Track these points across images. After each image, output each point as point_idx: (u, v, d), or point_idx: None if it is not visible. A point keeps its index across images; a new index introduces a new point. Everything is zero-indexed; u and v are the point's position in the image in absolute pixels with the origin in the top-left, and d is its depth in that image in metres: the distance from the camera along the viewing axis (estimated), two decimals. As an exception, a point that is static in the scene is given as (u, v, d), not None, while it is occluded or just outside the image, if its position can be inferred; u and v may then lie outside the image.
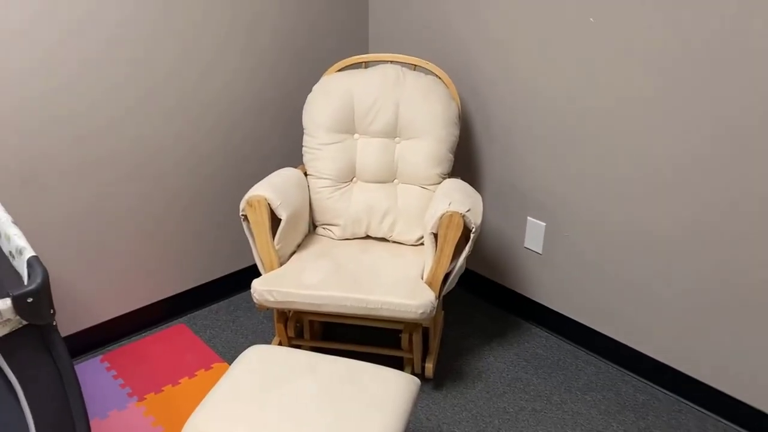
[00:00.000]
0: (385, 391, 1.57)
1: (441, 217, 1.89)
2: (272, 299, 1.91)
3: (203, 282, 2.55)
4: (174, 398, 2.07)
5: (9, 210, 1.98)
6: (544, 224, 2.31)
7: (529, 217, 2.35)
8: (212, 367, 2.22)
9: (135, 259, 2.32)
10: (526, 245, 2.39)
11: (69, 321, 2.22)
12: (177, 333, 2.40)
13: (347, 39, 2.65)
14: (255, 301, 1.94)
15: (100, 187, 2.16)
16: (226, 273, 2.60)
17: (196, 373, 2.19)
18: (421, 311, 1.84)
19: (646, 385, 2.16)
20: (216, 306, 2.57)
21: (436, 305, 1.88)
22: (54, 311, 1.39)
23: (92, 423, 1.96)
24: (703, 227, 1.89)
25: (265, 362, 1.65)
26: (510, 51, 2.21)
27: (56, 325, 1.42)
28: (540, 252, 2.35)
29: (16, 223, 1.62)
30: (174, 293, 2.47)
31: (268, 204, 1.99)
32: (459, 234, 1.89)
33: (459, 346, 2.35)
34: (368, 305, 1.86)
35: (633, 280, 2.11)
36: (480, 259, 2.59)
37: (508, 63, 2.23)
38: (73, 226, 2.14)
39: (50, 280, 2.12)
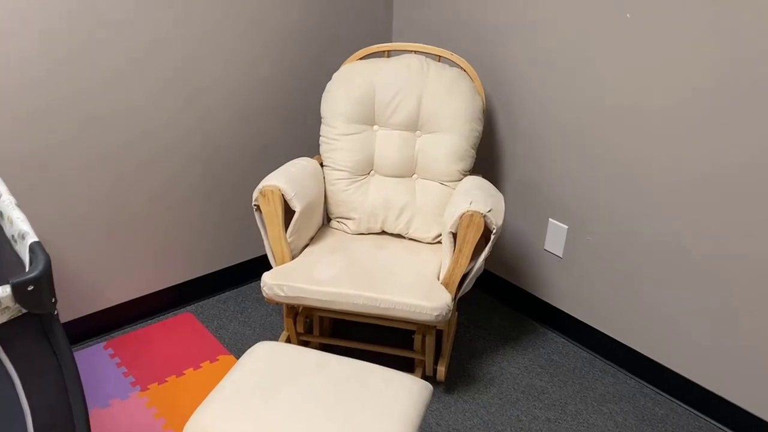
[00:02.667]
0: (396, 396, 1.50)
1: (461, 217, 1.81)
2: (282, 294, 1.84)
3: (212, 270, 2.49)
4: (178, 390, 2.01)
5: (17, 194, 1.92)
6: (566, 227, 2.22)
7: (551, 219, 2.27)
8: (218, 360, 2.16)
9: (143, 245, 2.26)
10: (546, 248, 2.31)
11: (74, 306, 2.17)
12: (183, 322, 2.34)
13: (371, 27, 2.56)
14: (264, 295, 1.87)
15: (111, 175, 2.09)
16: (236, 262, 2.54)
17: (201, 365, 2.13)
18: (436, 314, 1.77)
19: (666, 398, 2.08)
20: (224, 296, 2.52)
21: (452, 308, 1.81)
22: (55, 300, 1.33)
23: (93, 412, 1.91)
24: (736, 243, 1.80)
25: (272, 360, 1.59)
26: (541, 44, 2.12)
27: (57, 314, 1.36)
28: (560, 255, 2.27)
29: (20, 206, 1.57)
30: (182, 281, 2.41)
31: (282, 195, 1.92)
32: (479, 235, 1.82)
33: (472, 348, 2.28)
34: (381, 305, 1.79)
35: (658, 291, 2.02)
36: (498, 260, 2.52)
37: (538, 57, 2.14)
38: (83, 212, 2.08)
39: (56, 264, 2.07)
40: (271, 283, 1.85)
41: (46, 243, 2.02)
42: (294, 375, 1.54)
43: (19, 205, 1.51)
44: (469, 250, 1.83)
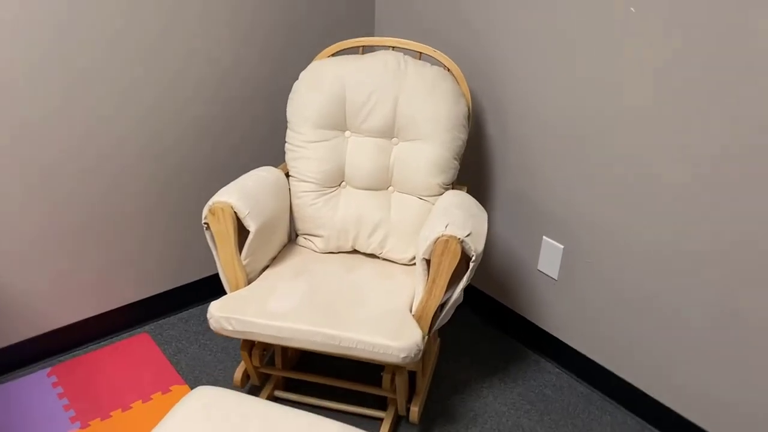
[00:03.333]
0: (347, 463, 1.28)
1: (435, 242, 1.57)
2: (230, 328, 1.62)
3: (176, 285, 2.27)
4: (121, 427, 1.81)
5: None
6: (561, 247, 1.97)
7: (545, 237, 2.02)
8: (170, 390, 1.95)
9: (91, 260, 2.04)
10: (539, 268, 2.07)
11: (17, 328, 1.97)
12: (138, 344, 2.13)
13: (350, 20, 2.31)
14: (212, 328, 1.65)
15: (51, 184, 1.87)
16: (200, 277, 2.33)
17: (151, 396, 1.92)
18: (403, 355, 1.53)
19: (671, 443, 1.84)
20: (187, 314, 2.30)
21: (422, 347, 1.57)
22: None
23: (24, 453, 1.71)
24: (758, 271, 1.55)
25: (210, 413, 1.37)
26: (535, 42, 1.86)
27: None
28: (555, 277, 2.02)
29: None
30: (140, 298, 2.20)
31: (235, 213, 1.69)
32: (455, 263, 1.58)
33: (455, 379, 2.04)
34: (341, 343, 1.56)
35: (666, 323, 1.78)
36: (487, 278, 2.27)
37: (533, 56, 1.88)
38: (18, 226, 1.86)
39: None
40: (218, 315, 1.62)
41: (-23, 262, 1.82)
42: (231, 433, 1.32)
43: None
44: (444, 280, 1.59)
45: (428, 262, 1.62)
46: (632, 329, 1.86)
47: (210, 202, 1.69)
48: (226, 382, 1.99)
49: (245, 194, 1.72)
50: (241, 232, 1.75)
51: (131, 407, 1.88)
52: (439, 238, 1.57)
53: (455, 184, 1.94)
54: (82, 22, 1.77)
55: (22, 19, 1.68)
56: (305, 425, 1.36)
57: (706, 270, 1.64)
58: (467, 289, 2.36)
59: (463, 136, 1.87)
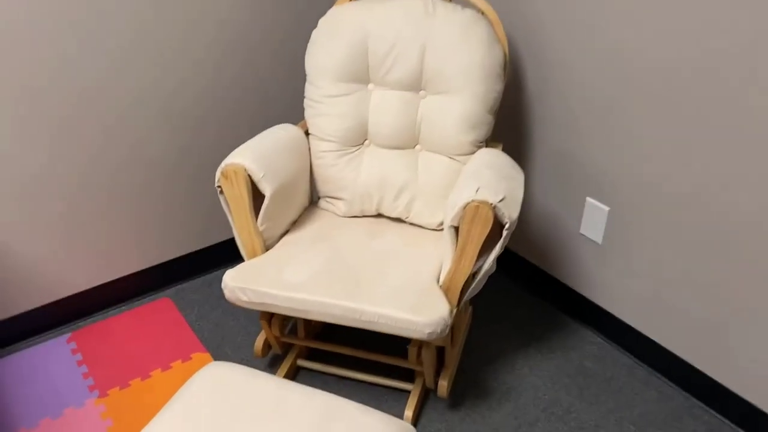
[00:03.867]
0: (365, 449, 1.18)
1: (464, 208, 1.43)
2: (245, 299, 1.52)
3: (197, 248, 2.19)
4: (140, 396, 1.75)
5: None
6: (607, 209, 1.80)
7: (588, 198, 1.85)
8: (191, 358, 1.88)
9: (113, 223, 1.97)
10: (582, 231, 1.90)
11: (35, 293, 1.92)
12: (160, 309, 2.07)
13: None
14: (227, 298, 1.55)
15: (72, 148, 1.78)
16: (224, 239, 2.23)
17: (171, 365, 1.86)
18: (429, 330, 1.41)
19: (722, 422, 1.69)
20: (210, 276, 2.22)
21: (450, 320, 1.45)
22: None
23: (43, 422, 1.67)
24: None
25: (220, 391, 1.28)
26: (579, -21, 1.65)
27: None
28: (599, 242, 1.86)
29: None
30: (161, 261, 2.13)
31: (249, 175, 1.57)
32: (487, 231, 1.43)
33: (488, 350, 1.92)
34: (362, 317, 1.45)
35: (721, 294, 1.60)
36: (524, 240, 2.12)
37: (575, -5, 1.67)
38: (38, 190, 1.79)
39: (9, 250, 1.80)
40: (233, 285, 1.52)
41: (-11, 227, 1.75)
42: (243, 416, 1.23)
43: None
44: (473, 249, 1.45)
45: (457, 229, 1.48)
46: (682, 299, 1.70)
47: (222, 164, 1.57)
48: (248, 350, 1.92)
49: (260, 155, 1.60)
50: (258, 196, 1.63)
51: (150, 376, 1.82)
52: (468, 203, 1.42)
53: (489, 141, 1.78)
54: (82, -30, 1.64)
55: None
56: (320, 406, 1.26)
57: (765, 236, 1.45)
58: (504, 254, 2.21)
59: (499, 87, 1.69)
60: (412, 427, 1.25)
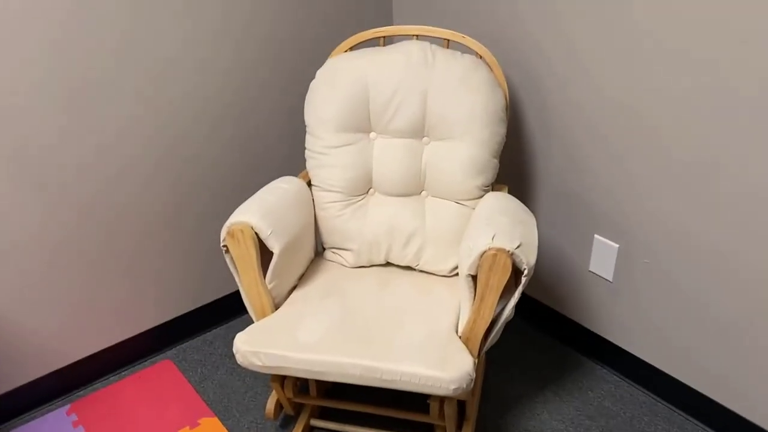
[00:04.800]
0: None
1: (481, 256, 1.40)
2: (260, 363, 1.46)
3: (196, 306, 2.13)
4: (148, 470, 1.67)
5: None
6: (616, 246, 1.79)
7: (596, 236, 1.83)
8: (199, 424, 1.80)
9: (107, 287, 1.90)
10: (591, 269, 1.88)
11: (32, 365, 1.83)
12: (161, 372, 1.99)
13: (366, 9, 2.11)
14: (239, 363, 1.49)
15: (65, 215, 1.73)
16: (224, 294, 2.17)
17: (179, 433, 1.78)
18: (454, 386, 1.37)
19: (751, 458, 1.66)
20: (210, 335, 2.15)
21: (474, 375, 1.40)
22: None
23: (46, 505, 1.58)
24: None
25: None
26: (577, 21, 1.65)
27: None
28: (610, 279, 1.84)
29: None
30: (159, 322, 2.06)
31: (256, 233, 1.53)
32: (506, 279, 1.40)
33: (504, 395, 1.88)
34: (383, 376, 1.40)
35: (732, 324, 1.59)
36: (535, 281, 2.09)
37: (575, 35, 1.68)
38: (33, 257, 1.72)
39: (7, 320, 1.73)
40: (245, 349, 1.46)
41: (-18, 299, 1.68)
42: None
43: None
44: (493, 298, 1.42)
45: (474, 277, 1.45)
46: (696, 333, 1.67)
47: (228, 223, 1.53)
48: (257, 412, 1.85)
49: (267, 211, 1.56)
50: (264, 253, 1.59)
51: (158, 446, 1.74)
52: (485, 251, 1.39)
53: (494, 184, 1.76)
54: (89, 24, 1.60)
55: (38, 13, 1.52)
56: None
57: (791, 269, 1.44)
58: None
59: (502, 130, 1.68)
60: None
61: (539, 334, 2.11)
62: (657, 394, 1.85)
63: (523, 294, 2.15)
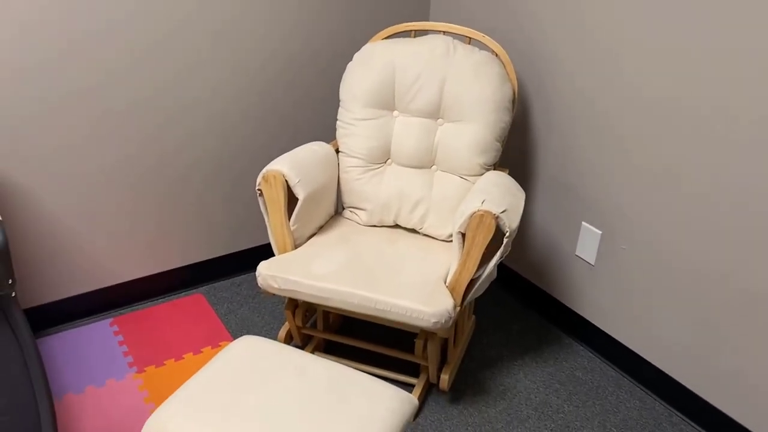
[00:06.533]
0: (373, 409, 1.37)
1: (471, 216, 1.65)
2: (276, 286, 1.74)
3: (228, 252, 2.43)
4: (173, 374, 1.96)
5: (29, 166, 1.90)
6: (600, 232, 2.02)
7: (584, 223, 2.06)
8: (219, 345, 2.10)
9: (156, 222, 2.21)
10: (577, 253, 2.11)
11: (82, 280, 2.15)
12: (193, 303, 2.29)
13: (407, 6, 2.40)
14: (259, 285, 1.78)
15: (124, 146, 2.05)
16: (254, 245, 2.47)
17: (202, 350, 2.07)
18: (434, 320, 1.62)
19: (696, 430, 1.86)
20: (239, 279, 2.45)
21: (454, 314, 1.66)
22: (13, 281, 1.28)
23: (87, 390, 1.89)
24: (789, 261, 1.56)
25: (251, 358, 1.49)
26: (587, 25, 1.90)
27: (15, 296, 1.32)
28: (592, 263, 2.07)
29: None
30: (196, 261, 2.36)
31: (286, 181, 1.81)
32: (489, 237, 1.65)
33: (487, 355, 2.12)
34: (377, 305, 1.66)
35: (699, 315, 1.80)
36: (526, 261, 2.33)
37: (579, 46, 1.93)
38: (95, 184, 2.04)
39: (64, 238, 2.05)
40: (266, 273, 1.75)
41: (53, 216, 2.00)
42: (269, 378, 1.43)
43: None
44: (477, 253, 1.67)
45: (464, 235, 1.70)
46: (666, 318, 1.89)
47: (264, 170, 1.82)
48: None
49: (296, 164, 1.84)
50: (291, 202, 1.87)
51: (183, 358, 2.04)
52: (474, 212, 1.65)
53: (497, 166, 2.01)
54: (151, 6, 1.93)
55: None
56: (337, 375, 1.46)
57: (750, 278, 1.66)
58: (505, 272, 2.42)
59: (507, 118, 1.94)
60: (414, 398, 1.45)
61: (526, 309, 2.34)
62: (624, 370, 2.06)
63: (513, 272, 2.38)
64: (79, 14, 1.83)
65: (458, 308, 1.71)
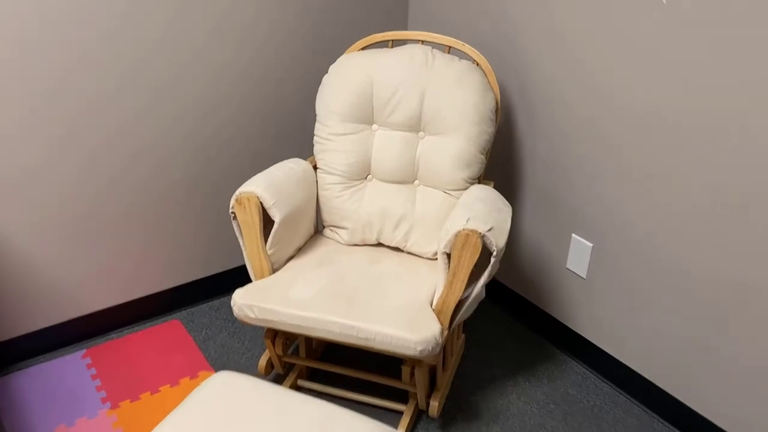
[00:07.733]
0: (358, 451, 1.29)
1: (456, 236, 1.57)
2: (253, 315, 1.65)
3: (206, 275, 2.33)
4: (149, 409, 1.86)
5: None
6: (591, 245, 1.94)
7: (574, 235, 1.99)
8: (198, 376, 2.00)
9: (129, 247, 2.11)
10: (568, 266, 2.03)
11: (53, 311, 2.05)
12: (170, 330, 2.19)
13: (385, 15, 2.31)
14: (235, 315, 1.68)
15: (94, 175, 1.94)
16: (231, 267, 2.37)
17: (179, 381, 1.97)
18: (420, 347, 1.53)
19: (699, 449, 1.79)
20: (218, 302, 2.35)
21: (442, 340, 1.57)
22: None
23: (57, 430, 1.78)
24: (790, 274, 1.49)
25: (228, 397, 1.40)
26: (565, 38, 1.83)
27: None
28: (584, 276, 1.99)
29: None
30: (172, 285, 2.26)
31: (260, 203, 1.72)
32: (476, 257, 1.57)
33: (479, 375, 2.03)
34: (359, 334, 1.57)
35: (697, 329, 1.72)
36: (515, 275, 2.25)
37: (562, 52, 1.85)
38: (62, 211, 1.94)
39: (32, 268, 1.94)
40: (241, 303, 1.65)
41: (17, 245, 1.90)
42: (246, 419, 1.34)
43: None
44: (464, 274, 1.59)
45: (449, 255, 1.62)
46: (660, 332, 1.81)
47: (237, 192, 1.73)
48: (252, 370, 2.03)
49: (271, 184, 1.75)
50: (268, 223, 1.78)
51: (160, 390, 1.93)
52: (460, 231, 1.56)
53: (482, 179, 1.93)
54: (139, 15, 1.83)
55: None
56: (318, 413, 1.37)
57: (742, 299, 1.58)
58: (495, 286, 2.34)
59: (491, 129, 1.86)
60: (401, 434, 1.36)
61: (516, 325, 2.26)
62: (619, 386, 1.98)
63: (503, 286, 2.30)
64: (31, 45, 1.73)
65: (446, 332, 1.62)
